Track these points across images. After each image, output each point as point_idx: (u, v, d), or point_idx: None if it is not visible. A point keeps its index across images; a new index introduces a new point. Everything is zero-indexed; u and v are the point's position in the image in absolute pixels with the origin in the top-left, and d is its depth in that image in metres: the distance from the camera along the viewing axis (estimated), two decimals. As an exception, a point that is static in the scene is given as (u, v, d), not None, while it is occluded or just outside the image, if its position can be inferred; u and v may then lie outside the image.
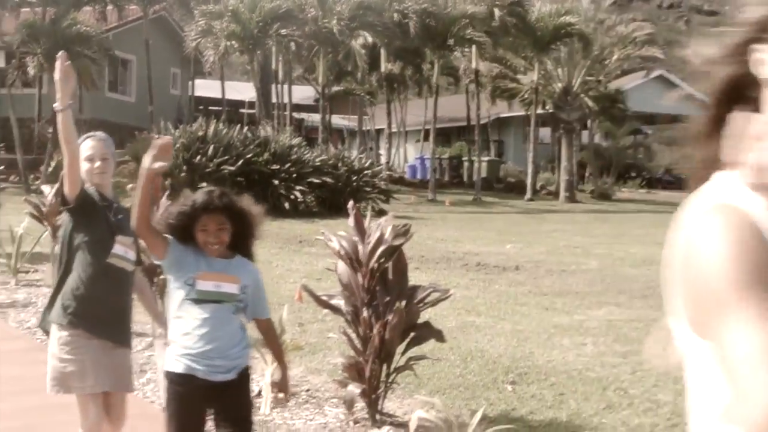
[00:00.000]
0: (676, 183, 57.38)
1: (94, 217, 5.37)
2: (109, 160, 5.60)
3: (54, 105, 5.17)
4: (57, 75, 5.11)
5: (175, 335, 4.73)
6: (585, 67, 43.32)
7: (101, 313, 5.33)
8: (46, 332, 5.53)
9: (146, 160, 4.51)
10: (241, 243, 4.91)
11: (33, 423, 7.28)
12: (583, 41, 41.95)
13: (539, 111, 43.78)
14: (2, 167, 19.77)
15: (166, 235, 4.74)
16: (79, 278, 5.32)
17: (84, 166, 5.45)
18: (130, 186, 10.75)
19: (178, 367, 4.68)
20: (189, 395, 4.69)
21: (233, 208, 4.87)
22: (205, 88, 51.93)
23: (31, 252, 14.95)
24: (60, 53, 5.24)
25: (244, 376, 4.82)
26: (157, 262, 5.09)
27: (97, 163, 5.50)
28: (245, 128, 30.99)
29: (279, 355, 5.26)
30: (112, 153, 5.66)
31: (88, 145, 5.53)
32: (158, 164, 4.53)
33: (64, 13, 37.00)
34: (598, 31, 43.21)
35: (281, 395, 5.24)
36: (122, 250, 5.40)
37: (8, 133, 32.41)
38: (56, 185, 5.37)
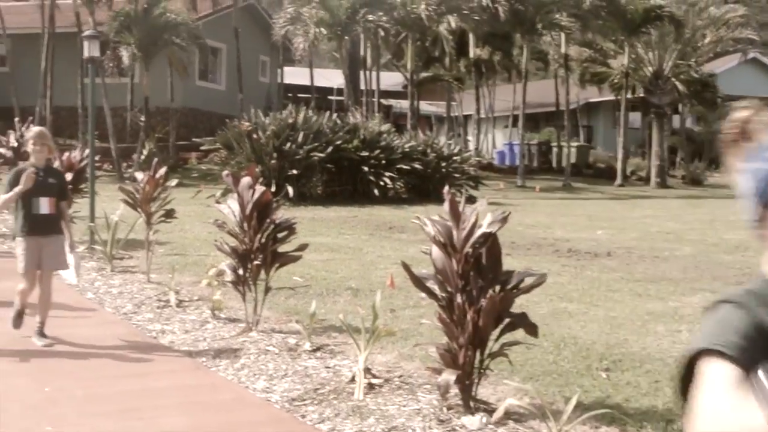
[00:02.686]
0: (770, 168, 56.28)
1: None
2: None
3: None
4: None
5: None
6: (676, 51, 42.64)
7: None
8: None
9: None
10: None
11: (132, 406, 7.39)
12: (674, 24, 41.28)
13: (629, 95, 43.29)
14: (97, 156, 20.09)
15: None
16: None
17: None
18: (225, 173, 10.81)
19: None
20: None
21: None
22: (294, 75, 52.21)
23: (125, 239, 15.16)
24: None
25: None
26: None
27: None
28: (334, 115, 31.09)
29: None
30: None
31: None
32: None
33: (155, 2, 37.45)
34: (690, 13, 42.45)
35: None
36: None
37: (102, 122, 32.87)
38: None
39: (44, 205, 9.28)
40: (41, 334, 9.37)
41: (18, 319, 9.57)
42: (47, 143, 9.47)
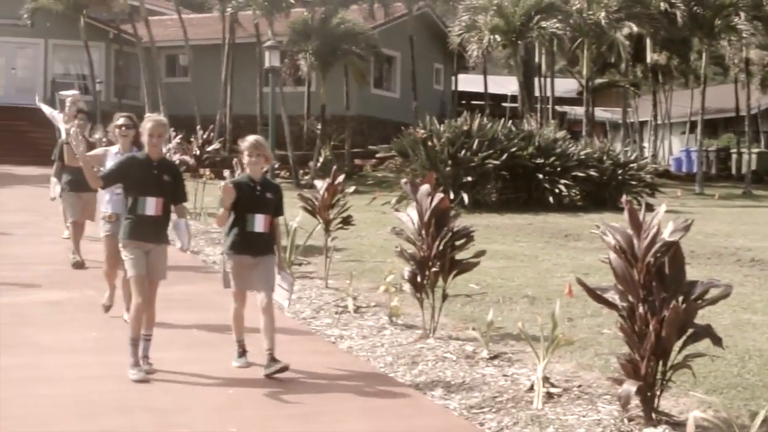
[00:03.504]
0: None
1: None
2: None
3: None
4: None
5: None
6: None
7: None
8: None
9: None
10: None
11: (313, 410, 7.52)
12: None
13: (814, 100, 41.92)
14: (276, 163, 20.46)
15: None
16: None
17: None
18: (404, 181, 10.89)
19: None
20: None
21: None
22: (467, 82, 52.33)
23: (304, 245, 15.40)
24: None
25: None
26: None
27: None
28: (508, 122, 30.98)
29: None
30: None
31: None
32: None
33: (332, 11, 38.05)
34: None
35: None
36: None
37: (280, 129, 33.54)
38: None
39: (260, 223, 8.53)
40: (272, 360, 8.53)
41: (242, 356, 8.89)
42: (264, 153, 8.67)
